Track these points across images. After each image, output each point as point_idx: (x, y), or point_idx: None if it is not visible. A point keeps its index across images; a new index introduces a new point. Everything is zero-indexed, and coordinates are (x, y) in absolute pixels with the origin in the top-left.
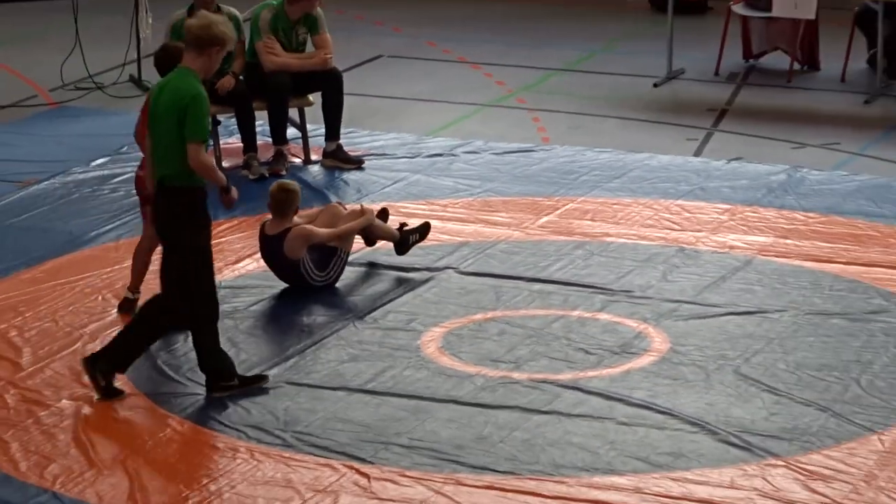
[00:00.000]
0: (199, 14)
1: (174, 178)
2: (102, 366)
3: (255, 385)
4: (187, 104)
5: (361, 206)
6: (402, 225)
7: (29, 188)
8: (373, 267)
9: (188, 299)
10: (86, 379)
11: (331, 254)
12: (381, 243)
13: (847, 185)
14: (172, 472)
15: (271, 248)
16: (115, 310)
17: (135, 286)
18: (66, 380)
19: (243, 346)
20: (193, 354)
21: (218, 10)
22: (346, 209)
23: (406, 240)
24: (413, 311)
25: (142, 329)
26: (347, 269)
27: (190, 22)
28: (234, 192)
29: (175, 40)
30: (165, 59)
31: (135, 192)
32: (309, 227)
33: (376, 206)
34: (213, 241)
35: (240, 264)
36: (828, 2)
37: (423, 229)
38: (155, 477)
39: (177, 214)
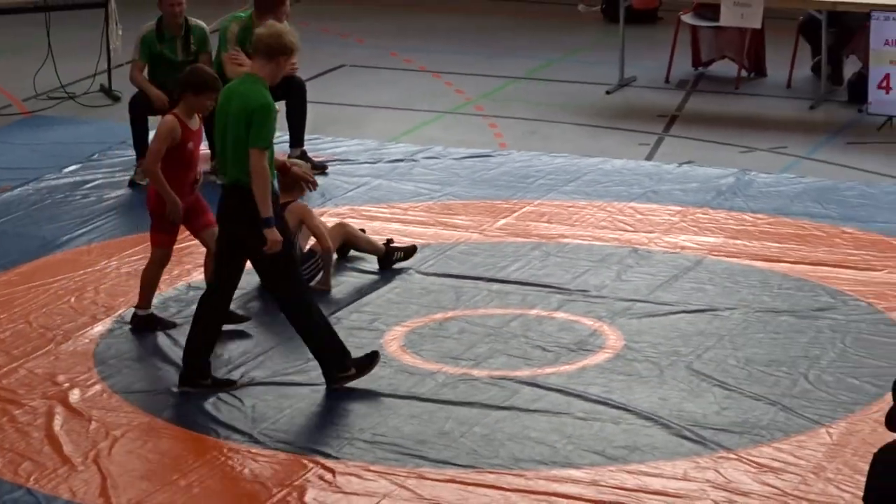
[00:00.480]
0: (268, 24)
1: (245, 179)
2: (190, 382)
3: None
4: (254, 110)
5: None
6: (389, 241)
7: (3, 195)
8: (336, 269)
9: (287, 290)
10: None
11: (310, 255)
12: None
13: (794, 187)
14: (144, 469)
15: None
16: (129, 327)
17: (146, 303)
18: (40, 379)
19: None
20: (168, 352)
21: (186, 22)
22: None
23: (391, 256)
24: (376, 311)
25: (199, 331)
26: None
27: (260, 31)
28: (274, 236)
29: (146, 52)
30: (193, 80)
31: (97, 197)
32: (308, 207)
33: (381, 238)
34: (181, 246)
35: None
36: (773, 12)
37: (409, 251)
38: (127, 473)
39: (250, 215)
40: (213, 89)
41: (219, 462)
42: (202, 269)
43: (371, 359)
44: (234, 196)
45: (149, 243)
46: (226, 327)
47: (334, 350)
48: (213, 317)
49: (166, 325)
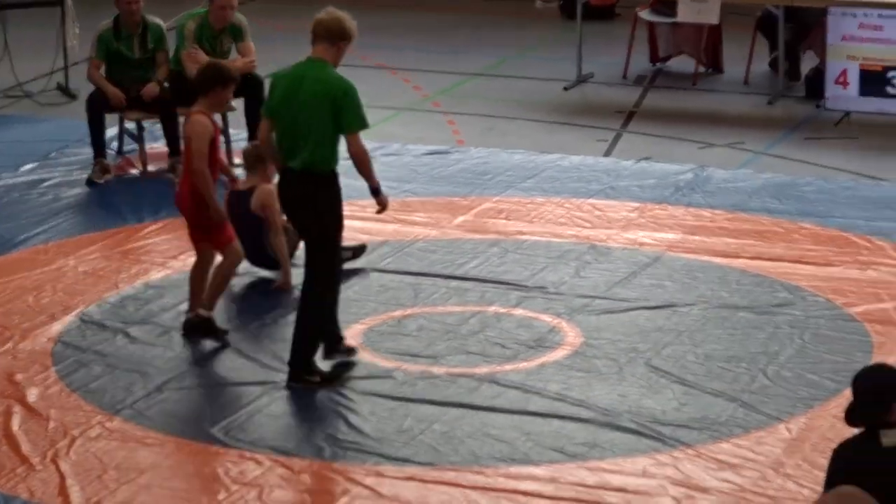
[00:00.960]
0: (328, 10)
1: (321, 164)
2: (297, 378)
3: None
4: (342, 95)
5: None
6: None
7: None
8: (294, 265)
9: (323, 267)
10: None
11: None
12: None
13: (752, 182)
14: (102, 468)
15: (239, 203)
16: (181, 332)
17: (196, 304)
18: None
19: (169, 345)
20: (125, 351)
21: (143, 20)
22: None
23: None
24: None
25: (307, 320)
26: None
27: (320, 17)
28: (385, 199)
29: (103, 50)
30: (218, 74)
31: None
32: (273, 193)
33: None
34: (139, 244)
35: (166, 265)
36: (730, 7)
37: (359, 250)
38: (85, 472)
39: (319, 200)
40: (235, 80)
41: (178, 460)
42: (161, 268)
43: (336, 375)
44: (306, 182)
45: (105, 242)
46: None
47: (311, 352)
48: (316, 308)
49: (222, 336)
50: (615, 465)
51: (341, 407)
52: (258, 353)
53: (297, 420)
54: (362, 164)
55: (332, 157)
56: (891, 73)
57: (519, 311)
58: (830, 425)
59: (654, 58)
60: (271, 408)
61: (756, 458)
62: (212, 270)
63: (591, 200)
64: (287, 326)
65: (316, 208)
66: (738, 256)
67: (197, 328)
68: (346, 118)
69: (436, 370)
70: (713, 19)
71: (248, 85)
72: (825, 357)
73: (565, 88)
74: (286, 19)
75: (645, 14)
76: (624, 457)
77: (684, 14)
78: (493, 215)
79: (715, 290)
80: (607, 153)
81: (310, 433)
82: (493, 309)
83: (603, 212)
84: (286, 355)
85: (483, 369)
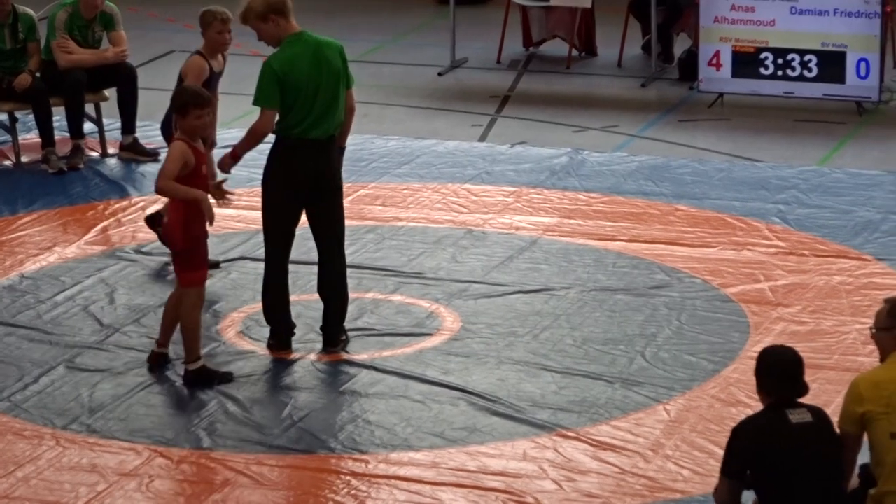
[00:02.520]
0: None
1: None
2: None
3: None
4: (344, 54)
5: None
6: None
7: None
8: (167, 256)
9: (343, 250)
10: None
11: None
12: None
13: (627, 165)
14: None
15: None
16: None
17: (165, 341)
18: None
19: (48, 336)
20: (1, 343)
21: (14, 10)
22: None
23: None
24: (211, 297)
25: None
26: (142, 258)
27: None
28: None
29: None
30: (176, 102)
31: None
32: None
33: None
34: (13, 236)
35: (41, 256)
36: None
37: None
38: None
39: (341, 161)
40: (197, 105)
41: (56, 452)
42: (36, 260)
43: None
44: (332, 147)
45: None
46: (49, 320)
47: (345, 312)
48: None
49: (223, 379)
50: (495, 450)
51: (221, 395)
52: (132, 345)
53: (175, 410)
54: (351, 120)
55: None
56: (763, 55)
57: (397, 298)
58: (709, 405)
59: (527, 42)
60: (151, 398)
61: (635, 439)
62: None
63: (466, 185)
64: (158, 319)
65: (339, 172)
66: (614, 239)
67: (199, 378)
68: (348, 73)
69: (314, 357)
70: (586, 3)
71: (120, 74)
72: (702, 338)
73: (439, 74)
74: (157, 6)
75: None
76: (504, 441)
77: None
78: (369, 202)
79: (592, 273)
80: (482, 138)
81: (189, 423)
82: (370, 295)
83: (479, 197)
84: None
85: (362, 356)
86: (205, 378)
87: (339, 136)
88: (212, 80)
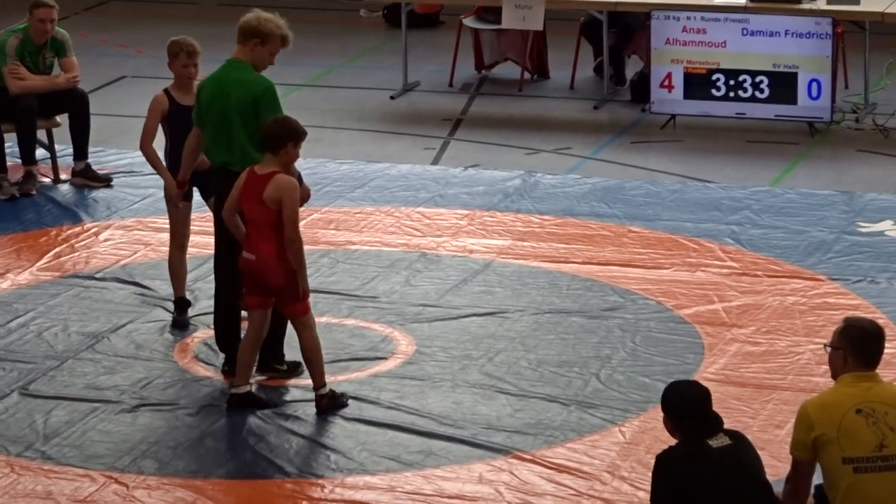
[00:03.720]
0: (254, 10)
1: (238, 163)
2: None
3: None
4: (261, 95)
5: None
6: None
7: None
8: (120, 282)
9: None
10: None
11: None
12: (135, 257)
13: (580, 187)
14: None
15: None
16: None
17: (245, 380)
18: None
19: (1, 362)
20: None
21: None
22: None
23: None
24: (165, 322)
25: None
26: (95, 284)
27: (246, 16)
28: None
29: None
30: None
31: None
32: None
33: None
34: None
35: None
36: (554, 13)
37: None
38: None
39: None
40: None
41: (11, 480)
42: None
43: (296, 365)
44: (226, 177)
45: None
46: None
47: (282, 340)
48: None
49: (342, 404)
50: (451, 473)
51: (174, 421)
52: (86, 371)
53: (131, 436)
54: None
55: (249, 156)
56: (715, 76)
57: (351, 321)
58: (664, 427)
59: (479, 65)
60: (104, 424)
61: (591, 461)
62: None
63: (420, 209)
64: (112, 345)
65: None
66: (567, 261)
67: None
68: (263, 113)
69: (269, 382)
70: (538, 25)
71: (72, 100)
72: (657, 359)
73: (392, 97)
74: (109, 32)
75: (469, 21)
76: (460, 464)
77: (508, 21)
78: (322, 226)
79: (546, 295)
80: (435, 161)
81: (144, 449)
82: (324, 319)
83: (432, 220)
84: (120, 371)
85: None
86: (338, 403)
87: None
88: (178, 115)
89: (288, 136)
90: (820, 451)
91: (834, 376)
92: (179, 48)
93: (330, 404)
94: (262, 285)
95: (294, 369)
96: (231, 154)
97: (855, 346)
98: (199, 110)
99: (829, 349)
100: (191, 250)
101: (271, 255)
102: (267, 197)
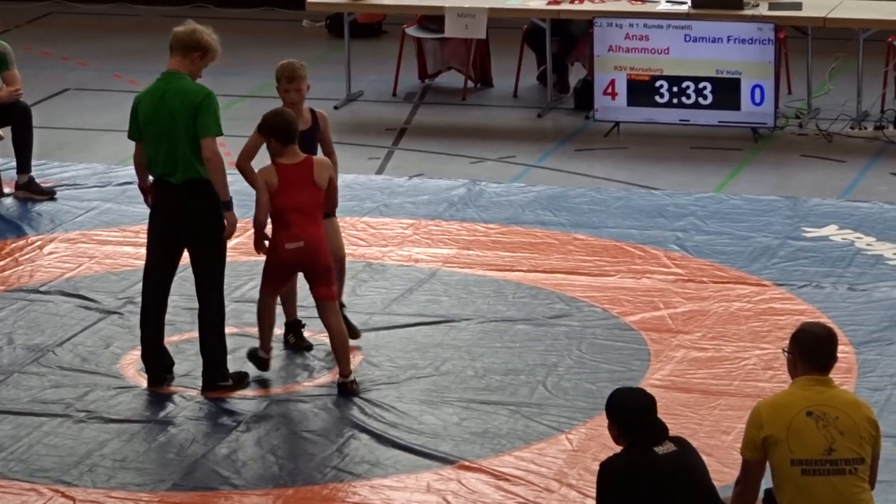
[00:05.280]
0: (186, 22)
1: (200, 174)
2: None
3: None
4: (200, 103)
5: None
6: None
7: None
8: (65, 295)
9: (221, 291)
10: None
11: None
12: (79, 269)
13: (524, 196)
14: None
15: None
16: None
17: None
18: None
19: None
20: None
21: None
22: None
23: None
24: (110, 335)
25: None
26: (40, 297)
27: (176, 30)
28: (233, 218)
29: None
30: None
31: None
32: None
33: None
34: None
35: None
36: (497, 21)
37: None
38: None
39: (209, 204)
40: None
41: None
42: None
43: (243, 377)
44: (191, 192)
45: None
46: None
47: (222, 357)
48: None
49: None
50: (399, 482)
51: (121, 434)
52: (31, 385)
53: (77, 449)
54: (216, 172)
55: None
56: (658, 83)
57: (304, 333)
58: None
59: (422, 74)
60: (51, 438)
61: (539, 469)
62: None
63: (365, 218)
64: (58, 358)
65: (205, 217)
66: (513, 269)
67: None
68: (202, 122)
69: (216, 394)
70: (480, 34)
71: (14, 114)
72: (603, 367)
73: (335, 107)
74: (51, 44)
75: (412, 30)
76: (407, 473)
77: (451, 29)
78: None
79: (491, 303)
80: (380, 171)
81: (91, 462)
82: (277, 332)
83: (377, 229)
84: (66, 384)
85: (259, 392)
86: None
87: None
88: None
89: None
90: (770, 452)
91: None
92: (280, 73)
93: (358, 389)
94: (307, 268)
95: (240, 381)
96: (173, 165)
97: (804, 350)
98: (137, 124)
99: (786, 354)
100: (136, 262)
101: (321, 235)
102: (318, 179)
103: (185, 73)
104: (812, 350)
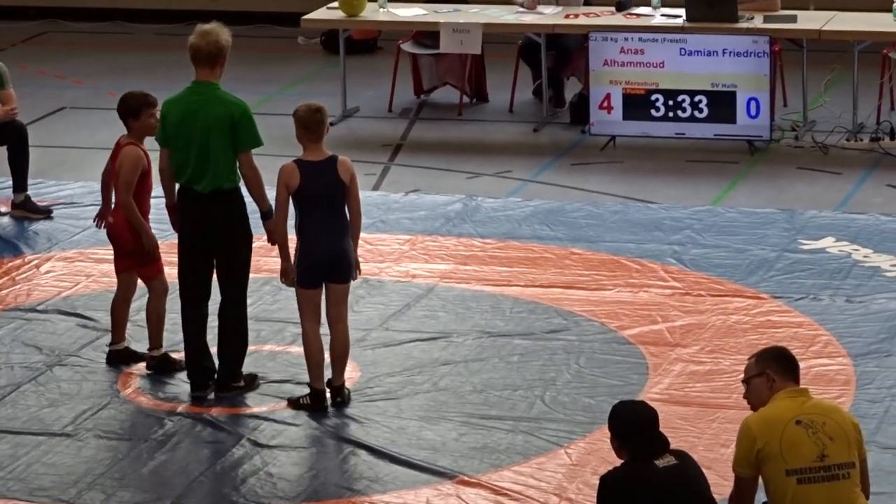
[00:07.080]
0: (201, 29)
1: (228, 183)
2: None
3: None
4: (240, 116)
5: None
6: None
7: None
8: (63, 314)
9: (244, 297)
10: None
11: None
12: (76, 289)
13: (521, 210)
14: None
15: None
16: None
17: (120, 338)
18: None
19: None
20: None
21: None
22: None
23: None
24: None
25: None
26: (37, 316)
27: (196, 42)
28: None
29: None
30: (128, 105)
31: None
32: None
33: None
34: None
35: None
36: (492, 36)
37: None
38: None
39: (237, 214)
40: (151, 104)
41: None
42: None
43: (253, 378)
44: (217, 201)
45: None
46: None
47: (239, 361)
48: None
49: (178, 366)
50: (398, 498)
51: (119, 453)
52: (29, 404)
53: (76, 468)
54: (255, 185)
55: (237, 176)
56: (654, 96)
57: (295, 349)
58: (610, 448)
59: (418, 90)
60: (50, 457)
61: (538, 484)
62: (145, 311)
63: (362, 235)
64: (56, 377)
65: (231, 226)
66: (510, 284)
67: (121, 358)
68: (241, 136)
69: (215, 411)
70: (475, 49)
71: (10, 133)
72: (601, 381)
73: (331, 124)
74: (47, 63)
75: (407, 46)
76: (407, 489)
77: (447, 45)
78: (264, 253)
79: (489, 318)
80: (376, 187)
81: (88, 481)
82: (268, 347)
83: (374, 245)
84: (64, 403)
85: (262, 408)
86: (169, 365)
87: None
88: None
89: (135, 108)
90: (763, 466)
91: (758, 407)
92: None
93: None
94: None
95: (251, 382)
96: (202, 174)
97: (777, 363)
98: (165, 131)
99: (747, 384)
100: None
101: (119, 217)
102: (114, 166)
103: (216, 83)
104: (786, 363)
